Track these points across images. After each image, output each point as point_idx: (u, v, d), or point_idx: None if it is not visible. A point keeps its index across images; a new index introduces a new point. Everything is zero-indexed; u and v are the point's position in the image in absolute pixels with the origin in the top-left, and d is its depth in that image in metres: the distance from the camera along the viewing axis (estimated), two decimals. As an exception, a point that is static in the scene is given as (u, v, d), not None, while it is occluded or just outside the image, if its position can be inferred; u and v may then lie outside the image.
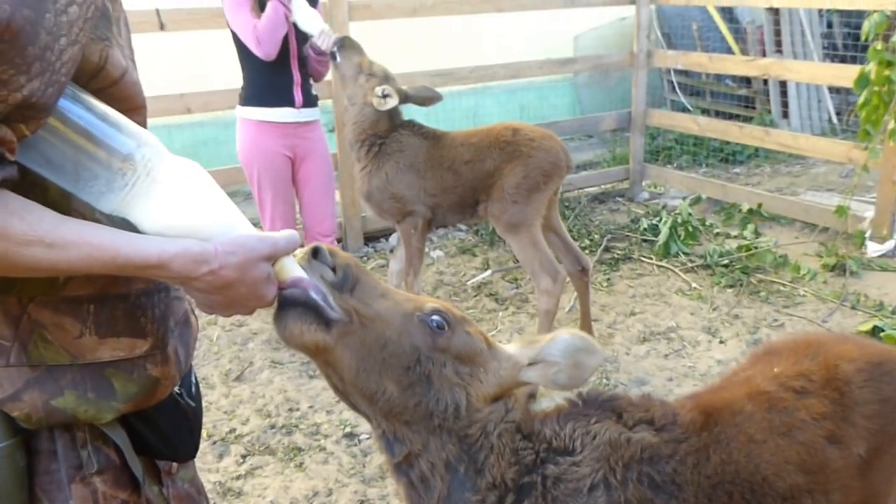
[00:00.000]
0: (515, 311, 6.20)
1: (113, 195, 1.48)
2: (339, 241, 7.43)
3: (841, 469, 2.12)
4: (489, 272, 6.86)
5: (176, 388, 1.89)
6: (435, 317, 1.88)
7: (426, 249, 7.25)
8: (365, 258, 7.34)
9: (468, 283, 6.74)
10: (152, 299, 1.75)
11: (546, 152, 4.97)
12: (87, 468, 1.73)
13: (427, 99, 5.24)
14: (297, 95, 5.26)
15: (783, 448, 2.07)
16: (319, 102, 5.51)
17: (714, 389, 2.31)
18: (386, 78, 5.10)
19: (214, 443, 4.63)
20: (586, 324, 5.50)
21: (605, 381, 5.13)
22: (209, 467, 4.43)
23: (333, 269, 1.78)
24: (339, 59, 5.11)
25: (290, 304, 1.71)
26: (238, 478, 4.33)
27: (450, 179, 5.06)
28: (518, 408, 2.00)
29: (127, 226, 1.51)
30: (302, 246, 1.75)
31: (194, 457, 2.09)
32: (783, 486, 2.04)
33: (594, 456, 1.95)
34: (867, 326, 5.46)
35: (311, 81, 5.42)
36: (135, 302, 1.70)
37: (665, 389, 5.00)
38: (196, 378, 2.08)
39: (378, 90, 5.00)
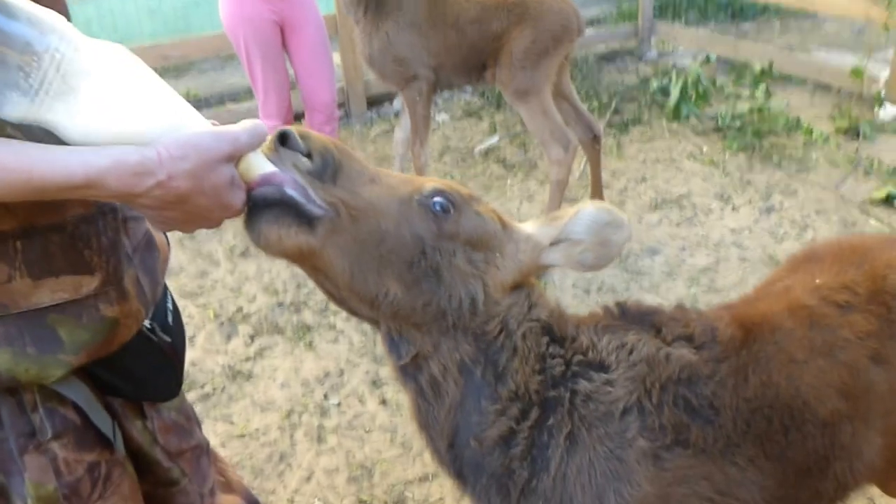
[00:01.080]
0: (524, 178, 6.11)
1: (18, 99, 1.17)
2: (340, 105, 7.25)
3: (885, 393, 1.97)
4: (496, 138, 6.73)
5: (146, 323, 1.68)
6: (437, 198, 1.63)
7: (432, 113, 7.10)
8: (368, 124, 7.19)
9: (475, 149, 6.62)
10: (96, 225, 1.50)
11: (556, 14, 4.75)
12: (41, 434, 1.52)
13: None
14: None
15: (825, 370, 1.91)
16: None
17: (751, 300, 2.14)
18: None
19: (221, 323, 4.59)
20: (597, 192, 5.44)
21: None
22: (217, 349, 4.40)
23: (308, 156, 1.49)
24: None
25: (262, 205, 1.44)
26: (247, 360, 4.30)
27: (453, 38, 4.84)
28: (543, 303, 1.81)
29: (50, 138, 1.23)
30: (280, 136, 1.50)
31: (177, 395, 1.88)
32: (824, 411, 1.89)
33: (629, 375, 1.78)
34: (882, 193, 5.41)
35: None
36: (73, 232, 1.45)
37: (678, 259, 4.99)
38: (173, 303, 1.87)
39: None
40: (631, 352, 1.81)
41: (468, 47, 4.85)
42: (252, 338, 4.47)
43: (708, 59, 7.90)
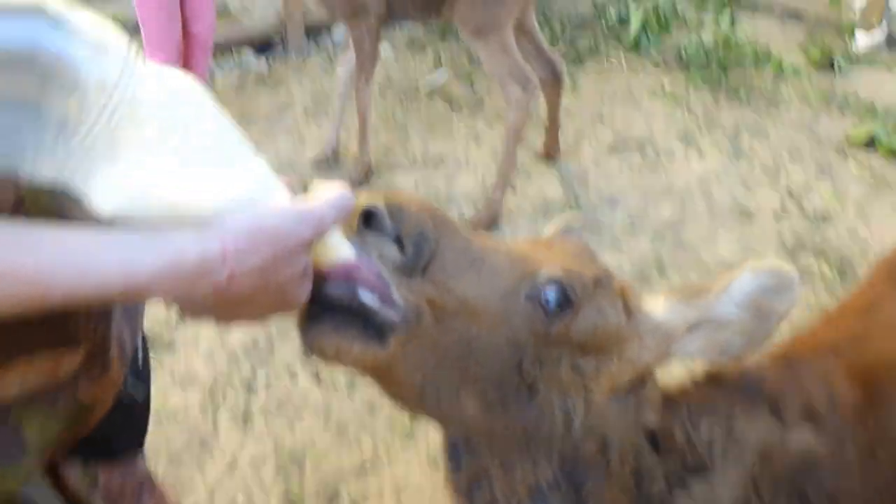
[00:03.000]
0: (471, 117, 5.61)
1: (46, 157, 0.84)
2: (272, 38, 6.61)
3: None
4: (443, 74, 6.16)
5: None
6: (553, 290, 1.25)
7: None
8: (305, 55, 6.57)
9: (420, 85, 6.05)
10: None
11: None
12: None
13: None
14: None
15: None
16: None
17: (857, 336, 1.67)
18: None
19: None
20: (554, 135, 4.97)
21: (573, 199, 4.65)
22: None
23: (399, 240, 1.15)
24: None
25: (326, 308, 1.13)
26: (168, 326, 3.84)
27: None
28: (654, 399, 1.39)
29: (67, 203, 0.88)
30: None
31: (142, 446, 1.63)
32: None
33: (736, 471, 1.40)
34: (861, 133, 5.01)
35: None
36: None
37: (640, 211, 4.55)
38: (145, 342, 1.53)
39: None
40: (739, 440, 1.41)
41: None
42: (174, 300, 3.97)
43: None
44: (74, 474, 1.56)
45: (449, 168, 5.03)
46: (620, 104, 5.66)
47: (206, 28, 4.99)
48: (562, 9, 7.18)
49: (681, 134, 5.25)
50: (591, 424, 1.32)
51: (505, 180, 4.44)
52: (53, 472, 1.53)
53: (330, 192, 1.05)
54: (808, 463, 1.43)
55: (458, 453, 1.36)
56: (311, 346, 1.18)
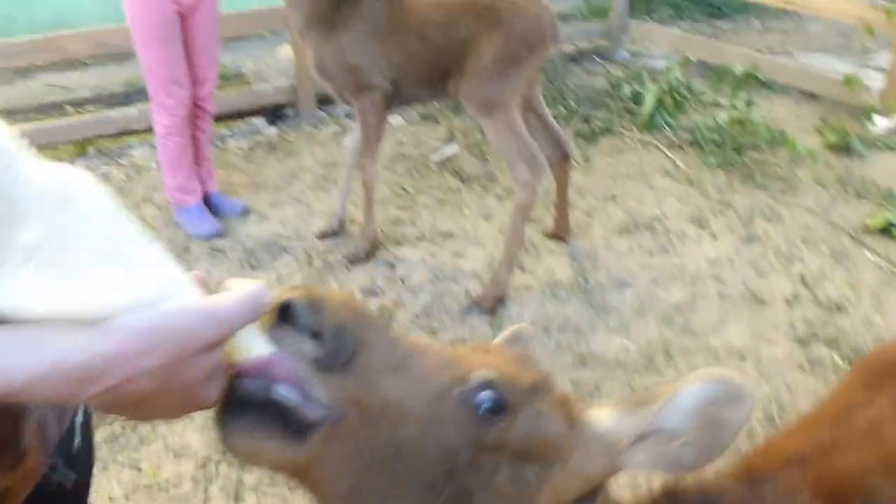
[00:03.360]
0: (483, 192, 5.55)
1: None
2: (284, 106, 6.61)
3: None
4: (454, 147, 6.13)
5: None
6: (486, 393, 1.17)
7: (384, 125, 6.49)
8: (318, 125, 6.56)
9: (431, 157, 6.01)
10: None
11: (531, 20, 4.18)
12: None
13: None
14: None
15: None
16: None
17: (825, 446, 1.59)
18: None
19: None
20: (563, 214, 4.89)
21: (582, 279, 4.56)
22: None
23: (318, 334, 1.07)
24: None
25: (241, 405, 1.05)
26: None
27: (415, 45, 4.29)
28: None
29: None
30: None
31: None
32: None
33: None
34: (878, 221, 4.90)
35: None
36: None
37: (650, 293, 4.44)
38: (85, 413, 1.41)
39: None
40: None
41: (431, 55, 4.28)
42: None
43: (686, 62, 7.31)
44: None
45: (457, 243, 4.95)
46: (633, 183, 5.59)
47: (209, 92, 5.03)
48: (577, 85, 7.17)
49: (693, 216, 5.17)
50: None
51: (511, 259, 4.36)
52: None
53: (243, 290, 0.98)
54: None
55: None
56: (227, 445, 1.09)
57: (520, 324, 1.69)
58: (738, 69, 6.87)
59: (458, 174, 5.78)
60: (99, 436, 3.52)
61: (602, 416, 1.29)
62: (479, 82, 4.16)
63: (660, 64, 7.34)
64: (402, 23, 4.30)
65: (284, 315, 1.05)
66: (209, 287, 1.02)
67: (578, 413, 1.28)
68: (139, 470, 3.40)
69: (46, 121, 6.16)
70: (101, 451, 3.46)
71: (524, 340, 1.59)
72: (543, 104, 4.72)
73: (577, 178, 5.61)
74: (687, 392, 1.20)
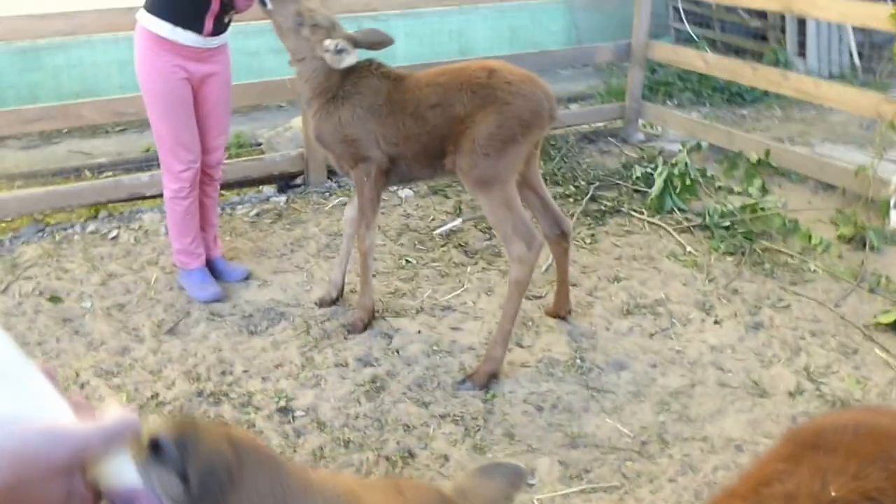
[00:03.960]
0: (486, 267, 5.47)
1: None
2: (297, 175, 6.65)
3: None
4: (459, 220, 6.09)
5: None
6: None
7: (396, 188, 6.50)
8: (327, 194, 6.56)
9: (436, 231, 5.97)
10: None
11: (526, 99, 4.15)
12: None
13: (376, 43, 4.51)
14: (208, 24, 4.60)
15: None
16: None
17: None
18: (333, 27, 4.39)
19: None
20: (563, 293, 4.80)
21: (579, 359, 4.44)
22: None
23: (185, 476, 1.00)
24: (269, 6, 4.36)
25: None
26: None
27: (413, 126, 4.29)
28: None
29: None
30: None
31: None
32: None
33: None
34: (889, 318, 4.73)
35: (232, 11, 4.73)
36: None
37: (647, 377, 4.32)
38: None
39: (330, 45, 4.30)
40: None
41: (428, 134, 4.28)
42: (161, 430, 3.83)
43: (699, 147, 7.27)
44: None
45: (456, 317, 4.87)
46: (638, 265, 5.49)
47: (218, 161, 5.07)
48: (590, 165, 7.14)
49: (698, 301, 5.05)
50: None
51: (506, 335, 4.27)
52: None
53: (111, 415, 0.96)
54: None
55: None
56: None
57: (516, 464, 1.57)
58: (753, 156, 6.80)
59: (463, 248, 5.72)
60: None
61: None
62: (476, 159, 4.13)
63: (675, 147, 7.29)
64: (400, 102, 4.33)
65: (153, 451, 0.99)
66: (81, 407, 1.00)
67: None
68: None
69: (62, 184, 6.22)
70: None
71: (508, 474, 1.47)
72: (541, 180, 4.67)
73: (582, 257, 5.54)
74: None
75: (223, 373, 4.35)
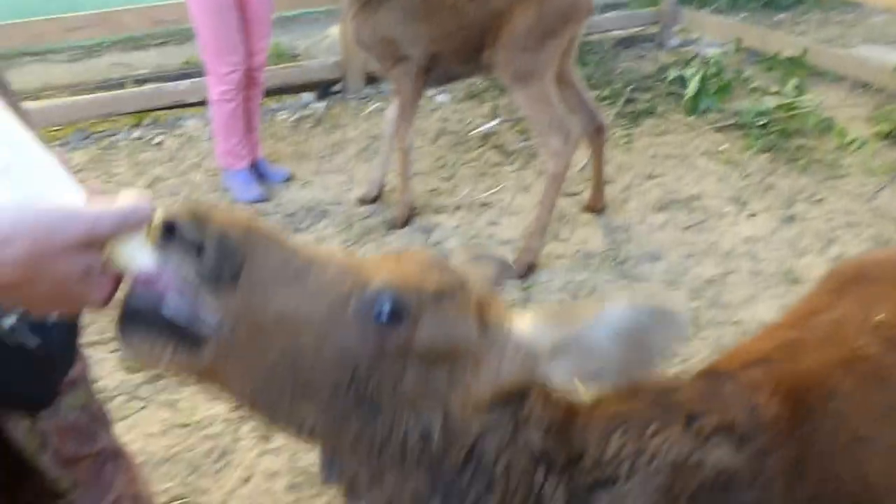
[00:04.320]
0: (522, 167, 5.57)
1: None
2: (335, 81, 6.73)
3: None
4: (496, 121, 6.17)
5: (8, 321, 1.31)
6: (384, 301, 1.19)
7: (433, 93, 6.57)
8: (365, 100, 6.66)
9: (472, 132, 6.06)
10: None
11: None
12: None
13: None
14: None
15: None
16: None
17: (789, 346, 1.58)
18: None
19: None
20: (598, 188, 4.90)
21: (613, 251, 4.56)
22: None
23: (201, 249, 1.10)
24: None
25: (134, 312, 1.10)
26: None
27: (452, 21, 4.35)
28: (542, 418, 1.31)
29: None
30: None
31: (48, 405, 1.54)
32: None
33: (649, 486, 1.33)
34: (923, 210, 4.78)
35: None
36: None
37: (681, 267, 4.42)
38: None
39: None
40: (651, 459, 1.34)
41: (467, 29, 4.34)
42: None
43: (736, 48, 7.22)
44: (20, 431, 1.56)
45: (493, 213, 5.00)
46: (673, 163, 5.56)
47: (261, 63, 5.16)
48: (625, 70, 7.15)
49: (732, 195, 5.12)
50: (454, 439, 1.25)
51: (543, 227, 4.39)
52: None
53: (126, 199, 1.04)
54: (724, 479, 1.35)
55: (329, 463, 1.31)
56: (127, 353, 1.14)
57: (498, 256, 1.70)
58: (790, 57, 6.76)
59: (500, 149, 5.81)
60: (141, 377, 3.68)
61: (522, 325, 1.30)
62: (513, 53, 4.20)
63: (711, 51, 7.26)
64: (440, 2, 4.36)
65: (171, 231, 1.08)
66: (97, 192, 1.08)
67: (496, 319, 1.29)
68: (176, 410, 3.53)
69: (105, 93, 6.36)
70: (142, 392, 3.60)
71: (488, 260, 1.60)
72: (577, 76, 4.74)
73: (617, 156, 5.61)
74: (612, 312, 1.21)
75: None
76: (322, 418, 1.20)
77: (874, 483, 1.41)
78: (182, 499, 3.10)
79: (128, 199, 1.04)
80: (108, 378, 3.66)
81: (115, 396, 3.57)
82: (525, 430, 1.29)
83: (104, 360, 3.75)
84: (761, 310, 4.08)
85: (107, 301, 1.09)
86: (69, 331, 1.52)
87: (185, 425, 3.45)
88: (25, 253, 0.96)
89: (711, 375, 1.50)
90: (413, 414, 1.22)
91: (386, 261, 1.31)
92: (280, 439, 3.35)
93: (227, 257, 1.11)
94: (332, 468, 1.31)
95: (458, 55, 4.48)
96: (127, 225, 1.04)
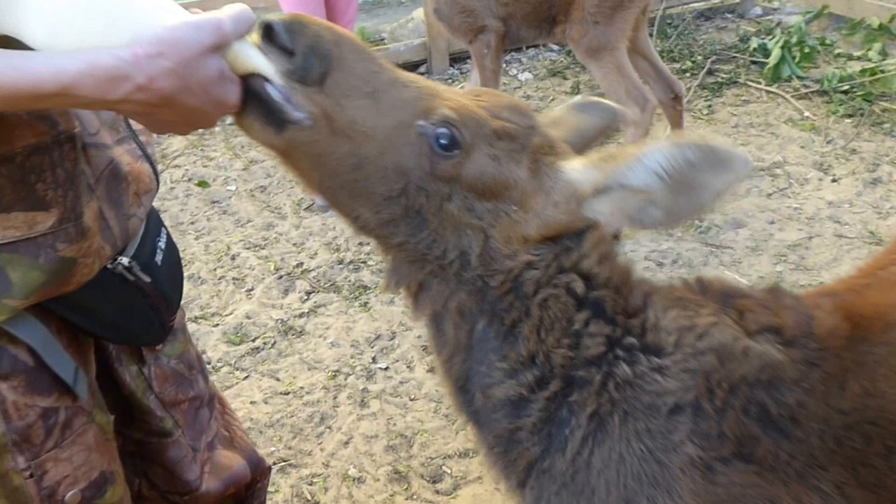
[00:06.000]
0: (605, 141, 5.63)
1: None
2: (421, 63, 6.94)
3: None
4: (579, 97, 6.26)
5: (124, 261, 1.54)
6: (443, 130, 1.33)
7: (516, 71, 6.71)
8: (449, 81, 6.86)
9: (556, 109, 6.17)
10: (50, 156, 1.34)
11: None
12: None
13: None
14: None
15: None
16: None
17: (857, 287, 1.70)
18: None
19: (280, 277, 4.48)
20: (679, 158, 4.96)
21: (697, 221, 4.65)
22: (273, 303, 4.29)
23: (293, 53, 1.28)
24: None
25: (250, 98, 1.30)
26: (301, 315, 4.19)
27: None
28: (593, 268, 1.44)
29: (13, 44, 1.13)
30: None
31: (161, 340, 1.77)
32: None
33: (690, 367, 1.42)
34: None
35: None
36: (24, 164, 1.30)
37: (765, 233, 4.50)
38: (169, 242, 1.72)
39: None
40: (700, 337, 1.44)
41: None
42: (308, 294, 4.36)
43: (820, 13, 7.16)
44: (128, 375, 1.76)
45: (577, 187, 5.12)
46: (756, 132, 5.60)
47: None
48: (706, 41, 7.16)
49: (816, 161, 5.15)
50: (495, 264, 1.40)
51: (626, 196, 4.49)
52: (108, 372, 1.74)
53: (231, 7, 1.24)
54: (769, 375, 1.43)
55: (392, 269, 1.49)
56: (241, 125, 1.34)
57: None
58: (875, 21, 6.69)
59: (583, 125, 5.91)
60: (244, 349, 3.95)
61: (571, 167, 1.41)
62: (586, 27, 4.32)
63: (793, 19, 7.21)
64: None
65: (269, 36, 1.29)
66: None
67: (548, 162, 1.42)
68: (277, 379, 3.78)
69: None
70: (244, 363, 3.87)
71: (592, 108, 1.74)
72: (651, 46, 4.83)
73: (699, 126, 5.69)
74: (655, 152, 1.28)
75: (361, 243, 4.72)
76: (374, 219, 1.39)
77: None
78: (286, 461, 3.34)
79: (233, 7, 1.24)
80: (212, 350, 3.96)
81: (221, 367, 3.86)
82: (568, 274, 1.43)
83: (209, 334, 4.07)
84: (845, 270, 4.11)
85: (239, 103, 1.29)
86: (173, 273, 1.73)
87: (286, 393, 3.69)
88: (175, 61, 1.16)
89: (776, 290, 1.60)
90: (454, 235, 1.39)
91: (464, 94, 1.45)
92: (376, 405, 3.57)
93: (311, 63, 1.29)
94: (394, 276, 1.49)
95: (529, 20, 4.57)
96: (241, 25, 1.23)
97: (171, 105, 1.19)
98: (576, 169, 1.41)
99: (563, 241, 1.43)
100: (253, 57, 1.27)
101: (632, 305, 1.47)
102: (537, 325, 1.42)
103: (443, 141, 1.34)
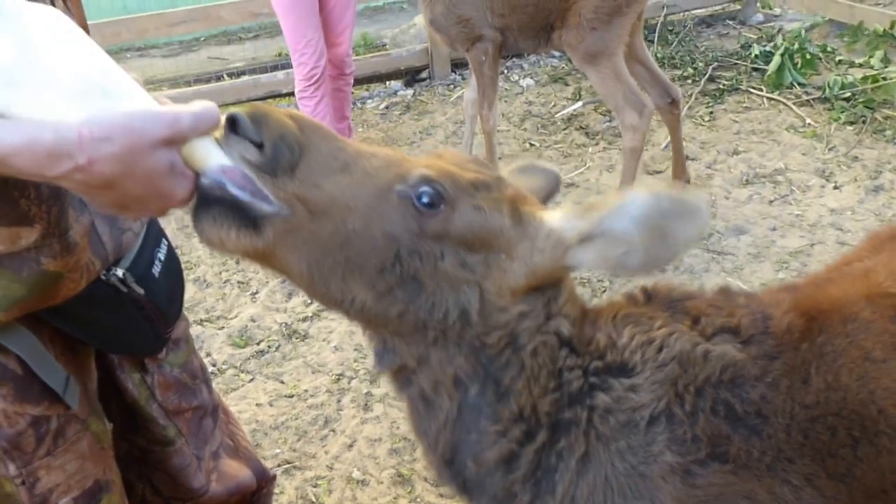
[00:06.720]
0: (606, 147, 5.70)
1: None
2: (422, 68, 6.96)
3: None
4: (580, 103, 6.31)
5: (118, 273, 1.54)
6: (424, 189, 1.35)
7: (517, 77, 6.74)
8: (451, 86, 6.87)
9: (557, 114, 6.22)
10: None
11: None
12: None
13: None
14: None
15: None
16: None
17: (819, 282, 1.75)
18: None
19: (284, 281, 4.44)
20: (679, 163, 4.99)
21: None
22: (277, 307, 4.30)
23: (260, 145, 1.28)
24: None
25: (205, 201, 1.28)
26: (304, 319, 4.20)
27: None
28: (568, 310, 1.50)
29: None
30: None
31: (157, 351, 1.77)
32: None
33: (657, 378, 1.47)
34: None
35: None
36: (6, 180, 1.28)
37: (767, 240, 4.51)
38: (169, 253, 1.72)
39: None
40: (660, 349, 1.49)
41: (534, 6, 4.47)
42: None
43: (820, 21, 7.18)
44: (131, 382, 1.76)
45: (578, 192, 5.14)
46: (757, 139, 5.61)
47: (344, 53, 5.39)
48: (707, 48, 7.18)
49: (818, 168, 5.16)
50: (493, 320, 1.43)
51: (627, 203, 4.51)
52: (111, 380, 1.75)
53: (196, 103, 1.21)
54: (731, 374, 1.49)
55: (379, 351, 1.50)
56: (201, 237, 1.32)
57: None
58: (878, 28, 6.71)
59: (584, 130, 5.95)
60: (248, 352, 3.96)
61: (552, 216, 1.45)
62: (583, 33, 4.33)
63: (794, 26, 7.24)
64: None
65: (234, 128, 1.27)
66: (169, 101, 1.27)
67: (528, 211, 1.46)
68: (282, 382, 3.80)
69: (204, 86, 6.72)
70: (249, 365, 3.88)
71: (536, 171, 1.76)
72: (647, 51, 4.85)
73: (700, 133, 5.70)
74: (635, 201, 1.34)
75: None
76: (370, 295, 1.38)
77: (880, 398, 1.50)
78: (291, 463, 3.35)
79: (199, 104, 1.21)
80: (217, 353, 3.97)
81: (226, 370, 3.87)
82: (555, 319, 1.48)
83: (214, 336, 4.08)
84: (847, 279, 4.14)
85: (188, 198, 1.25)
86: (172, 285, 1.73)
87: (291, 396, 3.71)
88: (122, 148, 1.12)
89: (727, 290, 1.64)
90: (452, 293, 1.40)
91: (428, 157, 1.49)
92: (380, 409, 3.57)
93: (282, 152, 1.29)
94: (383, 356, 1.49)
95: (528, 30, 4.59)
96: (202, 122, 1.20)
97: (113, 189, 1.16)
98: (558, 218, 1.45)
99: (547, 290, 1.48)
100: (215, 152, 1.25)
101: (586, 333, 1.52)
102: (529, 376, 1.46)
103: (425, 199, 1.35)
